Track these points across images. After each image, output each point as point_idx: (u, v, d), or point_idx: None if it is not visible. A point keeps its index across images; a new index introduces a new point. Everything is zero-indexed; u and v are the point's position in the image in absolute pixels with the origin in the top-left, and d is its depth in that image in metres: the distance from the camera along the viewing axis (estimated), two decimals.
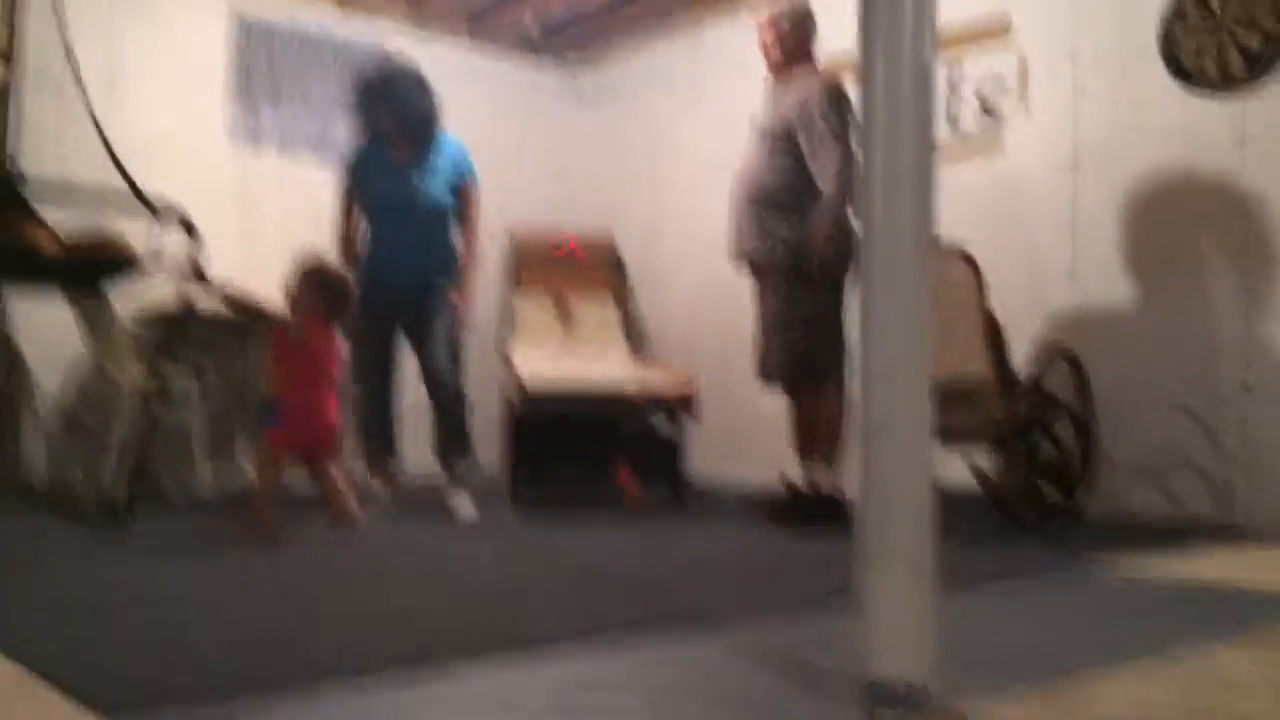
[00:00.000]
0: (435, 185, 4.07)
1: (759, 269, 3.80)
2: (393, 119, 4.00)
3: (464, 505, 3.89)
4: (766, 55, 3.94)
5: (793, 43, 3.87)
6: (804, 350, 3.68)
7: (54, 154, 4.60)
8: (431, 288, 4.05)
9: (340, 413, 3.49)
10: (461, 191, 4.14)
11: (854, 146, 3.65)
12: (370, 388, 4.16)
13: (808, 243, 3.62)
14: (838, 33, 4.38)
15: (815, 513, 3.58)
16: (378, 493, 4.07)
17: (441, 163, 4.09)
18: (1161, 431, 3.88)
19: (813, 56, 3.92)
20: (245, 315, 4.04)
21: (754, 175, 3.80)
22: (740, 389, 4.99)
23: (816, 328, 3.67)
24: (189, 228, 3.50)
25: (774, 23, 3.91)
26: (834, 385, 3.70)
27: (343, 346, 3.57)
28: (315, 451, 3.40)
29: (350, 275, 3.81)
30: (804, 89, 3.74)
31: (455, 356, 4.12)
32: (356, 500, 3.45)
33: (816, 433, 3.72)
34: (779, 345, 3.73)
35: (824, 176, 3.62)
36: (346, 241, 4.14)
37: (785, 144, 3.72)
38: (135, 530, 3.28)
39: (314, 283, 3.40)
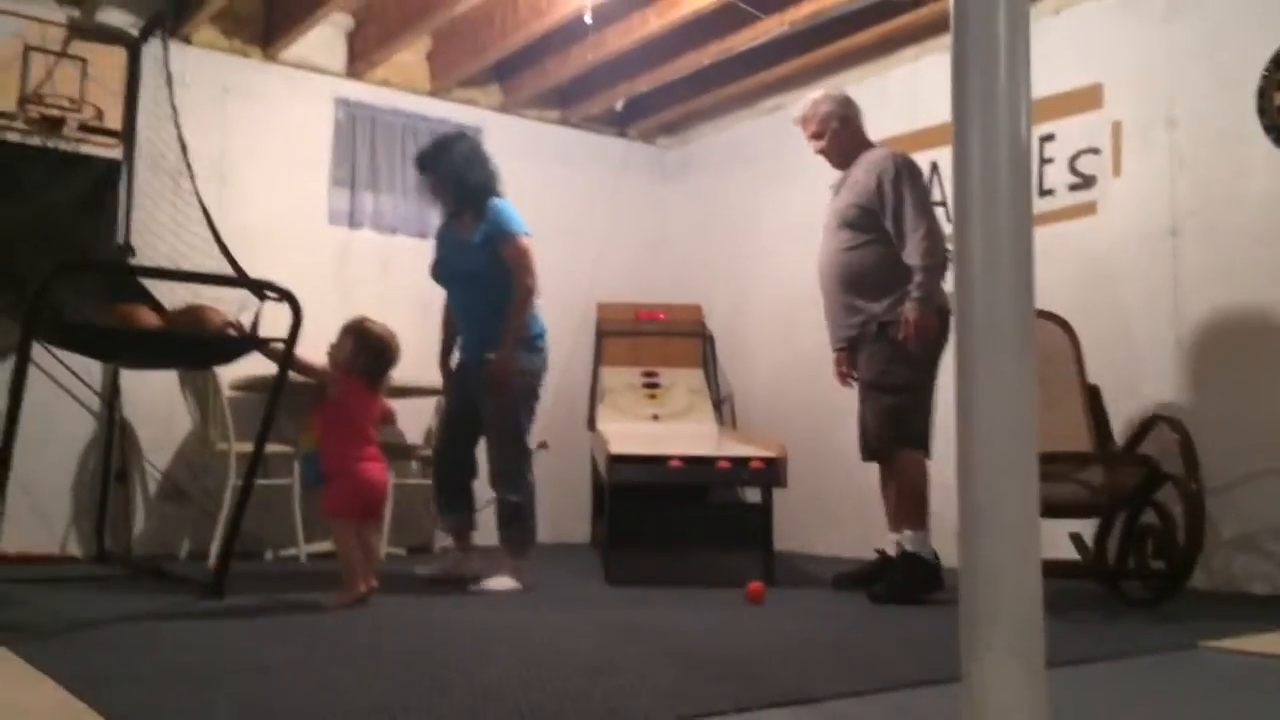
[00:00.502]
0: (465, 250, 3.95)
1: (856, 345, 3.79)
2: (443, 189, 4.06)
3: (500, 581, 3.80)
4: (827, 159, 3.96)
5: (846, 136, 3.90)
6: (895, 417, 3.65)
7: (168, 238, 4.84)
8: (484, 363, 3.89)
9: (382, 472, 3.43)
10: (502, 254, 3.88)
11: (934, 217, 3.66)
12: (438, 452, 4.21)
13: (900, 321, 3.61)
14: (937, 105, 4.41)
15: (915, 580, 3.53)
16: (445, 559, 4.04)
17: (487, 228, 3.94)
18: (1271, 503, 3.73)
19: (867, 138, 3.94)
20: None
21: (836, 261, 3.80)
22: (826, 463, 4.95)
23: (908, 396, 3.64)
24: (289, 301, 3.61)
25: (821, 129, 3.91)
26: (920, 452, 3.66)
27: (386, 407, 3.56)
28: (368, 511, 3.40)
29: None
30: (874, 167, 3.75)
31: (504, 437, 3.91)
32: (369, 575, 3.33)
33: (903, 499, 3.67)
34: (872, 412, 3.71)
35: (911, 252, 3.61)
36: (446, 326, 4.18)
37: (864, 225, 3.72)
38: (236, 599, 3.35)
39: (354, 339, 3.41)
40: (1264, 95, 3.86)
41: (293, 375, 3.53)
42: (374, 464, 3.40)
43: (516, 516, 3.93)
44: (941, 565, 3.57)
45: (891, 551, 3.74)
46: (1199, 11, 4.09)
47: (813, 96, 4.00)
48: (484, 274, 3.91)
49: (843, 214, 3.79)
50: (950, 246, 1.57)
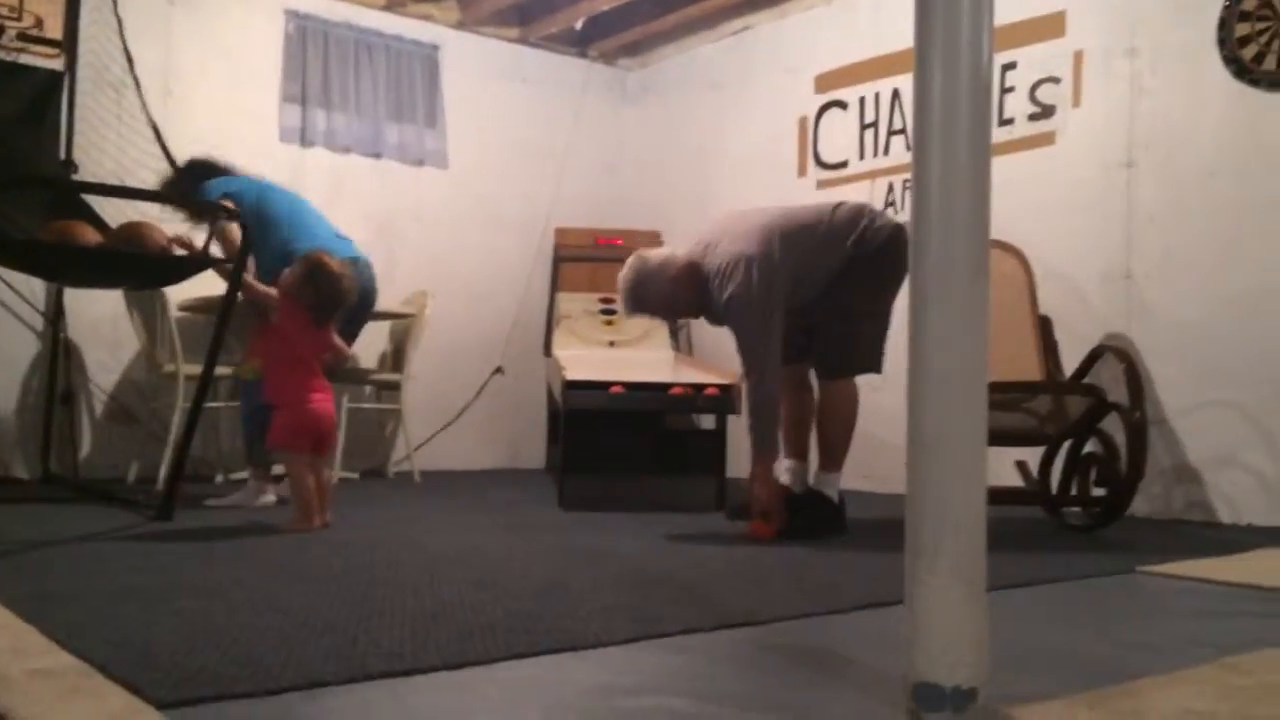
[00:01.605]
0: None
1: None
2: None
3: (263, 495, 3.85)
4: (686, 315, 3.67)
5: (670, 290, 3.44)
6: (863, 343, 3.42)
7: (112, 152, 4.71)
8: None
9: (329, 405, 3.36)
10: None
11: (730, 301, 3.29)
12: None
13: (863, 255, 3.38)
14: (902, 31, 4.36)
15: (819, 520, 3.35)
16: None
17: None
18: (1217, 433, 3.82)
19: (697, 282, 3.41)
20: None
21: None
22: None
23: (874, 323, 3.43)
24: (237, 220, 3.53)
25: (661, 297, 3.45)
26: (852, 382, 3.44)
27: (336, 346, 3.42)
28: (318, 445, 3.35)
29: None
30: (718, 291, 3.33)
31: None
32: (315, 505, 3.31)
33: (833, 434, 3.45)
34: (840, 336, 3.45)
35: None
36: None
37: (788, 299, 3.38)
38: (184, 519, 3.34)
39: (305, 269, 3.32)
40: (1224, 25, 3.86)
41: (242, 296, 3.47)
42: (321, 395, 3.35)
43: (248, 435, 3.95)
44: (845, 507, 3.41)
45: (784, 479, 3.47)
46: None
47: (620, 276, 3.53)
48: None
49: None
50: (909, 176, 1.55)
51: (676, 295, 3.44)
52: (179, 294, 4.26)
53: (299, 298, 3.32)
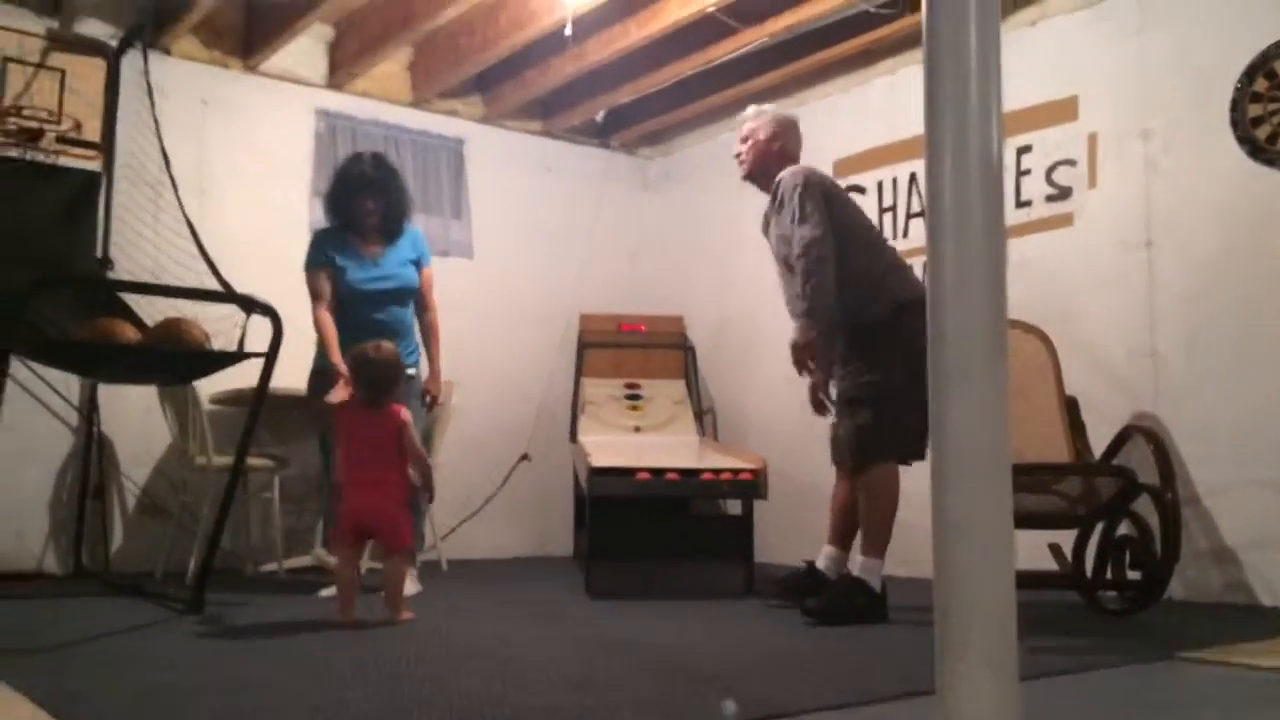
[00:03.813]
0: (404, 269, 4.18)
1: (829, 363, 3.63)
2: (378, 216, 4.14)
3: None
4: (749, 175, 3.85)
5: (768, 152, 3.76)
6: (869, 432, 3.45)
7: (148, 249, 4.82)
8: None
9: (393, 499, 3.30)
10: (424, 274, 4.25)
11: (812, 227, 3.47)
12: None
13: (870, 325, 3.50)
14: (917, 116, 4.42)
15: (856, 605, 3.31)
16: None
17: (404, 248, 4.21)
18: (1253, 513, 3.76)
19: (791, 159, 3.76)
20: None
21: (788, 298, 3.72)
22: (807, 474, 4.96)
23: (882, 409, 3.44)
24: (270, 315, 3.60)
25: (745, 137, 3.82)
26: (892, 465, 3.45)
27: (408, 428, 3.40)
28: (373, 536, 3.39)
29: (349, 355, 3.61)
30: (775, 191, 3.64)
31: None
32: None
33: (869, 521, 3.45)
34: (846, 428, 3.52)
35: (796, 269, 3.50)
36: (327, 322, 4.05)
37: (785, 258, 3.64)
38: (214, 614, 3.33)
39: (353, 368, 3.44)
40: (1236, 107, 3.90)
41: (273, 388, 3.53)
42: (359, 487, 3.30)
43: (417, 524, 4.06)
44: (887, 597, 3.37)
45: (820, 564, 3.63)
46: (1172, 23, 4.14)
47: (752, 108, 3.92)
48: (413, 287, 4.21)
49: (778, 254, 3.69)
50: (924, 259, 1.57)
51: (772, 154, 3.73)
52: (211, 385, 4.32)
53: (353, 390, 3.45)
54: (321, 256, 4.12)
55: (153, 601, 3.66)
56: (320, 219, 5.37)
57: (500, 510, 5.80)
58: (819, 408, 3.67)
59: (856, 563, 3.45)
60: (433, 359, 4.23)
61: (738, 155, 3.87)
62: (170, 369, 3.79)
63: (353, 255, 4.14)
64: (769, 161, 3.76)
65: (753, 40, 4.97)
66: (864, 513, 3.48)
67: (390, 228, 4.19)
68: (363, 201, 4.12)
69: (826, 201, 3.54)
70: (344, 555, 3.31)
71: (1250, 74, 3.88)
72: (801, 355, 3.54)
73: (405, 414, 3.39)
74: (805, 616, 3.29)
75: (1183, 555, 3.40)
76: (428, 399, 4.22)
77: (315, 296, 4.08)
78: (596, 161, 6.40)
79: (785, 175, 3.63)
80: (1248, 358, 3.83)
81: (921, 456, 3.40)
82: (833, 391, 3.65)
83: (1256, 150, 3.85)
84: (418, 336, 4.27)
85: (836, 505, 3.69)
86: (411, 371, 4.09)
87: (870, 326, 3.51)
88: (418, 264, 4.24)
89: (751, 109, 3.92)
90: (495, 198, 5.97)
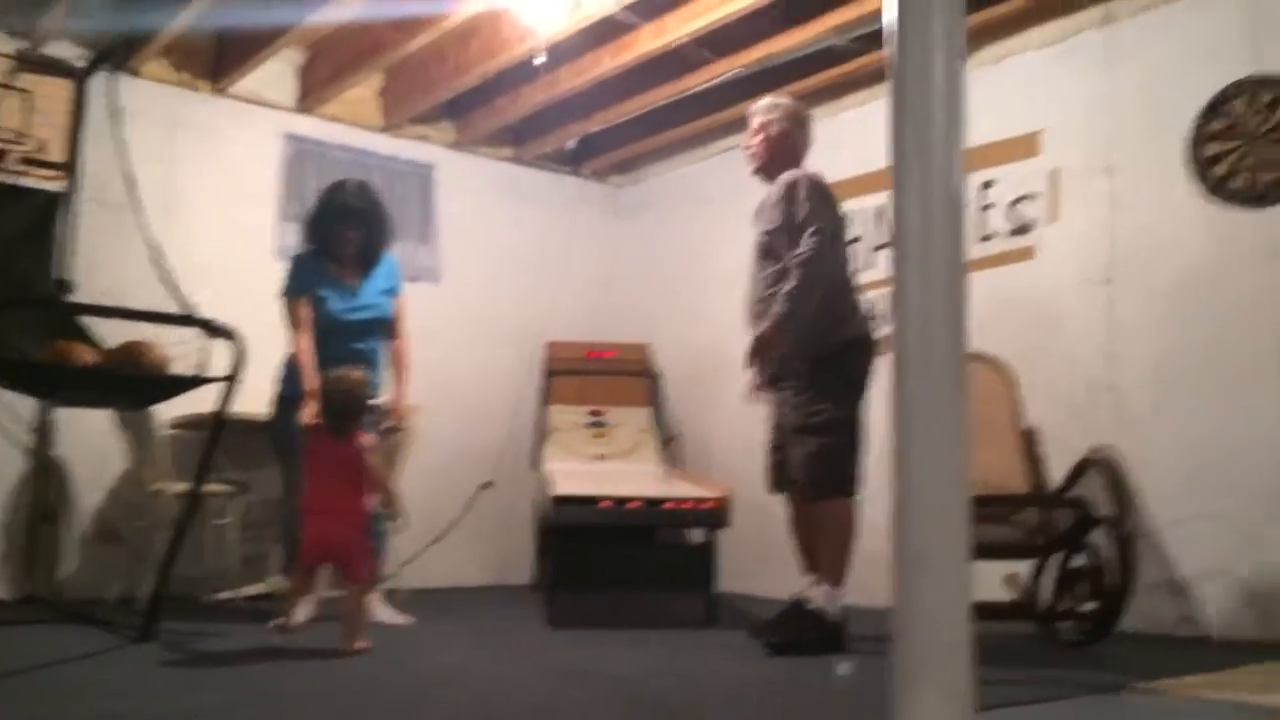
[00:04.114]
0: (381, 299, 4.16)
1: (778, 380, 3.62)
2: (356, 247, 4.12)
3: (387, 613, 3.89)
4: (758, 166, 3.82)
5: (779, 146, 3.75)
6: (825, 460, 3.46)
7: (112, 271, 4.76)
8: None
9: (356, 528, 3.31)
10: (396, 303, 4.22)
11: (822, 240, 3.48)
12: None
13: (832, 354, 3.51)
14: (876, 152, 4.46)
15: (812, 637, 3.33)
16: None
17: (379, 278, 4.19)
18: (1206, 546, 3.80)
19: (798, 158, 3.78)
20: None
21: (758, 294, 3.66)
22: (773, 503, 4.96)
23: (836, 437, 3.47)
24: (231, 338, 3.57)
25: (760, 125, 3.80)
26: (849, 499, 3.48)
27: (369, 456, 3.41)
28: (334, 564, 3.39)
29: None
30: (781, 186, 3.61)
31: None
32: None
33: (827, 551, 3.47)
34: (800, 457, 3.52)
35: (790, 269, 3.49)
36: (308, 350, 3.96)
37: (777, 253, 3.59)
38: (167, 641, 3.27)
39: (321, 395, 3.48)
40: (1195, 145, 3.98)
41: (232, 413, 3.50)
42: (320, 515, 3.30)
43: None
44: (846, 626, 3.38)
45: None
46: (1137, 60, 4.21)
47: (771, 99, 3.89)
48: (389, 322, 4.17)
49: (758, 243, 3.68)
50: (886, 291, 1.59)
51: (783, 148, 3.73)
52: (170, 410, 4.27)
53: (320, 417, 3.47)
54: (304, 284, 4.07)
55: (104, 629, 3.59)
56: (290, 244, 5.36)
57: (462, 538, 5.75)
58: (753, 397, 3.70)
59: (816, 592, 3.44)
60: (398, 386, 4.18)
61: (748, 148, 3.85)
62: (129, 392, 3.73)
63: (332, 284, 4.10)
64: (780, 156, 3.75)
65: (725, 71, 5.01)
66: (822, 546, 3.49)
67: (368, 258, 4.16)
68: (343, 230, 4.09)
69: (833, 235, 3.57)
70: (303, 572, 3.38)
71: (1209, 113, 3.96)
72: (765, 350, 3.50)
73: (368, 440, 3.39)
74: (764, 647, 3.30)
75: (1138, 587, 3.43)
76: (384, 426, 4.12)
77: (297, 324, 4.01)
78: (567, 189, 6.42)
79: (805, 177, 3.60)
80: (1204, 392, 3.88)
81: (857, 490, 3.51)
82: (779, 417, 3.67)
83: (1214, 188, 3.93)
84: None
85: (797, 535, 3.67)
86: (373, 402, 4.05)
87: (826, 359, 3.53)
88: (392, 293, 4.23)
89: (764, 100, 3.87)
90: (465, 224, 5.97)
